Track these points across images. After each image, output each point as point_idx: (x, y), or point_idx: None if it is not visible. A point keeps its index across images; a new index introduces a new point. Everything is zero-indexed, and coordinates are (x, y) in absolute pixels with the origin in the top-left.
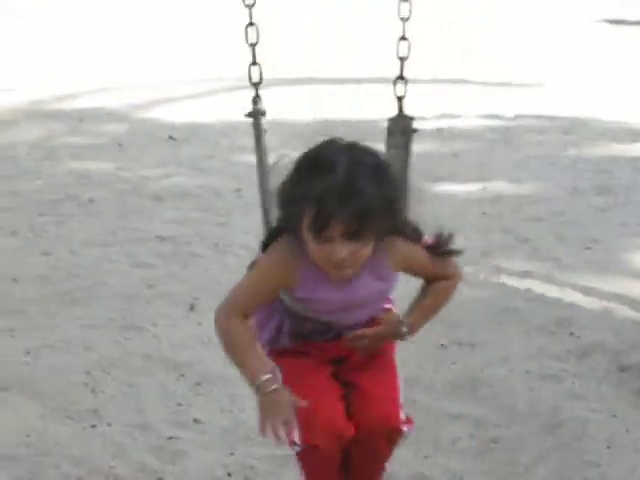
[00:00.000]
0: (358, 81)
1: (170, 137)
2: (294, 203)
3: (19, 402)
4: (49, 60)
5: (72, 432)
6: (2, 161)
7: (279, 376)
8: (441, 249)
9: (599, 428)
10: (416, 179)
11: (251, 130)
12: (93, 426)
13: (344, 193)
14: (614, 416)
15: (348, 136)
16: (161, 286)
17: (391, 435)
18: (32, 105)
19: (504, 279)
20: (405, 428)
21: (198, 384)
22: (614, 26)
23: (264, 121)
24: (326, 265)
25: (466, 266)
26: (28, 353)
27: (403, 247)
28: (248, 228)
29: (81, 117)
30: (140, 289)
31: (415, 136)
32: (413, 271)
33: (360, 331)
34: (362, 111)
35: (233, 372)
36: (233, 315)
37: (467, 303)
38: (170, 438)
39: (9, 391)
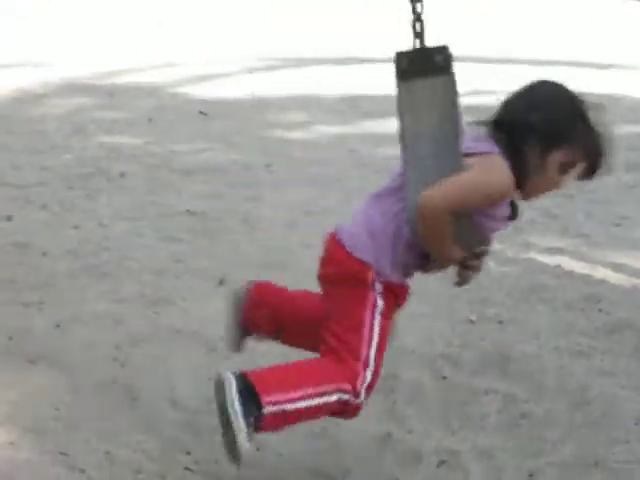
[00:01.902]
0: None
1: (200, 112)
2: (564, 130)
3: (48, 375)
4: (81, 37)
5: (101, 406)
6: (32, 136)
7: None
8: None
9: (627, 405)
10: None
11: (280, 106)
12: (122, 400)
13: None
14: None
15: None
16: (190, 261)
17: None
18: (62, 80)
19: (533, 255)
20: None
21: (227, 358)
22: None
23: None
24: (546, 190)
25: (495, 243)
26: (57, 326)
27: None
28: (278, 203)
29: (111, 92)
30: (169, 264)
31: None
32: None
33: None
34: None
35: (262, 346)
36: (450, 210)
37: (496, 279)
38: (200, 413)
39: (38, 364)
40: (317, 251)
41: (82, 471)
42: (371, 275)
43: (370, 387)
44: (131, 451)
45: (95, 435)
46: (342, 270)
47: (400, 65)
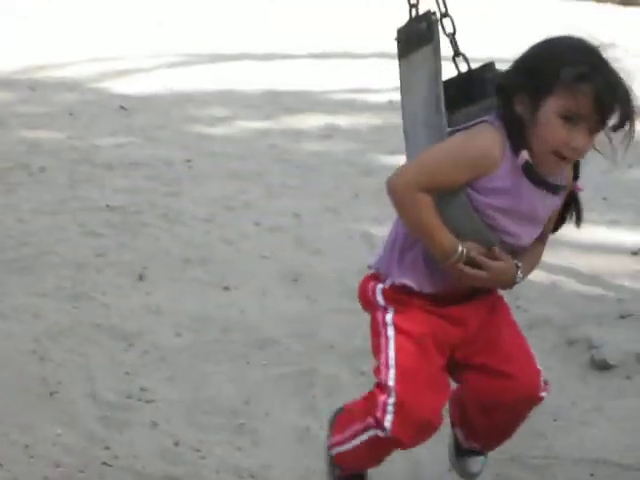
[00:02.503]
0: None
1: (121, 107)
2: (549, 75)
3: None
4: (1, 31)
5: (20, 400)
6: None
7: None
8: (580, 204)
9: (546, 401)
10: None
11: (201, 100)
12: (41, 394)
13: (618, 81)
14: (561, 389)
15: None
16: (111, 255)
17: (533, 405)
18: None
19: None
20: (544, 394)
21: (146, 352)
22: None
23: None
24: (557, 151)
25: None
26: None
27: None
28: (198, 198)
29: (32, 86)
30: (90, 258)
31: None
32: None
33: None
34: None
35: (181, 342)
36: (417, 188)
37: None
38: (118, 407)
39: None
40: (237, 246)
41: (0, 465)
42: (372, 285)
43: (402, 415)
44: (50, 445)
45: (14, 429)
46: (359, 296)
47: (399, 41)
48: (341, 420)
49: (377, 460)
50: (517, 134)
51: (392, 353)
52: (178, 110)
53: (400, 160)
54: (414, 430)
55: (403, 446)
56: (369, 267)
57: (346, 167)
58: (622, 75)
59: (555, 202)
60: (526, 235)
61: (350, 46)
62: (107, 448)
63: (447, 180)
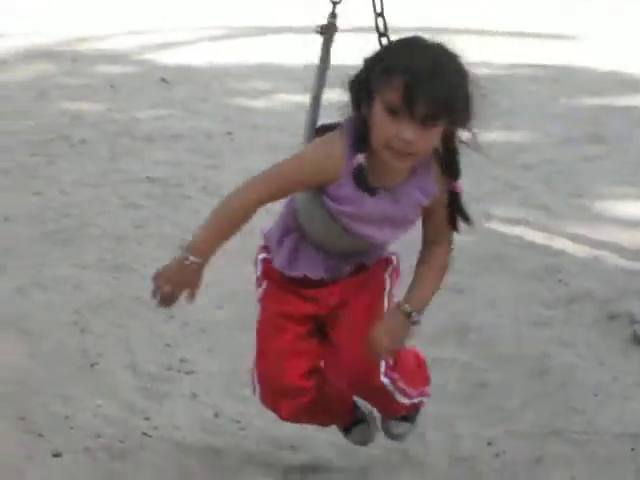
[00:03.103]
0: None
1: (162, 79)
2: (375, 72)
3: (8, 340)
4: (44, 4)
5: (61, 371)
6: None
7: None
8: (461, 205)
9: (586, 375)
10: None
11: (242, 73)
12: (82, 365)
13: (434, 71)
14: (602, 364)
15: None
16: (151, 227)
17: (373, 390)
18: (26, 47)
19: (494, 226)
20: (386, 380)
21: (186, 324)
22: None
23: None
24: (389, 145)
25: None
26: (18, 291)
27: (440, 173)
28: (239, 171)
29: (74, 58)
30: (130, 230)
31: None
32: (434, 205)
33: (372, 334)
34: None
35: (222, 314)
36: (245, 192)
37: (456, 248)
38: (158, 379)
39: None
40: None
41: (41, 435)
42: (258, 252)
43: (262, 386)
44: (90, 416)
45: (54, 400)
46: None
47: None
48: None
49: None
50: (361, 137)
51: (257, 328)
52: (219, 83)
53: None
54: (276, 396)
55: (278, 414)
56: (262, 234)
57: None
58: (461, 77)
59: (417, 198)
60: (387, 236)
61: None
62: (147, 419)
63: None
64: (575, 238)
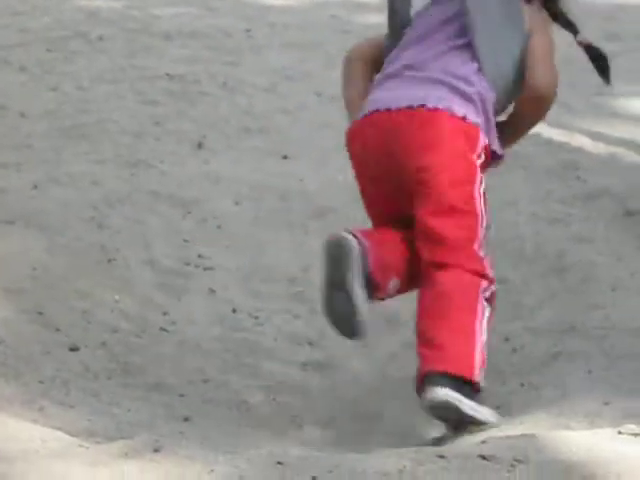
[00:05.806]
0: None
1: None
2: None
3: (25, 235)
4: None
5: (78, 266)
6: None
7: None
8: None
9: (604, 271)
10: None
11: None
12: (99, 260)
13: None
14: (619, 260)
15: None
16: (169, 124)
17: None
18: None
19: None
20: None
21: (204, 220)
22: None
23: None
24: None
25: None
26: (34, 187)
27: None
28: (257, 68)
29: None
30: (148, 126)
31: None
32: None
33: None
34: None
35: (239, 210)
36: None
37: None
38: (175, 274)
39: (15, 224)
40: (296, 115)
41: (58, 330)
42: (479, 135)
43: None
44: (108, 310)
45: (72, 295)
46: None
47: None
48: None
49: None
50: None
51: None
52: None
53: None
54: None
55: None
56: (463, 118)
57: None
58: None
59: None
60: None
61: None
62: (165, 314)
63: None
64: (594, 135)
